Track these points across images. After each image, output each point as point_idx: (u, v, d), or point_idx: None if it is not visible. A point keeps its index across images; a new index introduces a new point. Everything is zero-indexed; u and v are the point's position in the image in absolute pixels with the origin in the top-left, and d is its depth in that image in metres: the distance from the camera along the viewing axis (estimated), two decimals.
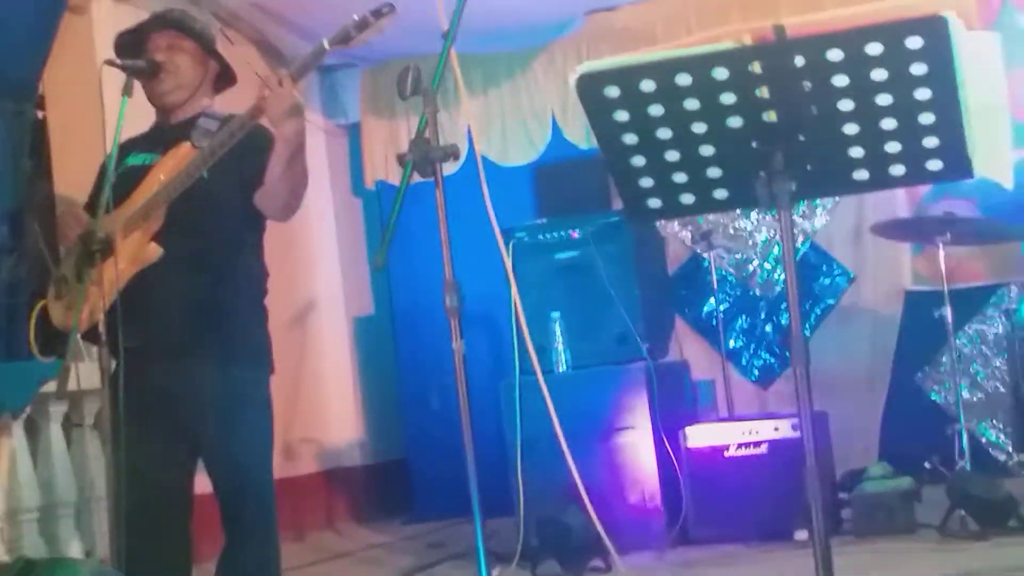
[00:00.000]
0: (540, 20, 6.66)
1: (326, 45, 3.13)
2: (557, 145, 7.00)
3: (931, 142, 2.38)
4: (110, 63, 3.38)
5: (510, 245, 5.37)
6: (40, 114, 5.66)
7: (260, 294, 3.54)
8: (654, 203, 2.60)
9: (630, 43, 6.81)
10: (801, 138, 2.42)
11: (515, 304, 3.56)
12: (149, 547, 3.32)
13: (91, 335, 3.23)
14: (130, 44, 3.54)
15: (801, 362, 2.40)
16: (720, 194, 2.56)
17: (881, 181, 2.48)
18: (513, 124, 7.06)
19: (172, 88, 3.48)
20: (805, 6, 6.39)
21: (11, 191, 5.16)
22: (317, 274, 7.20)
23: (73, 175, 5.48)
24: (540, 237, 5.61)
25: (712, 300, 6.31)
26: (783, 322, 6.55)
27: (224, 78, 3.64)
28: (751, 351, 6.62)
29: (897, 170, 2.44)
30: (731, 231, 6.66)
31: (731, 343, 6.48)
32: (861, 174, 2.46)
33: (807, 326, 6.39)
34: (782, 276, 6.55)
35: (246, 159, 3.34)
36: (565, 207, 6.49)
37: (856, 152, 2.42)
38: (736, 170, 2.50)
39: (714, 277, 6.08)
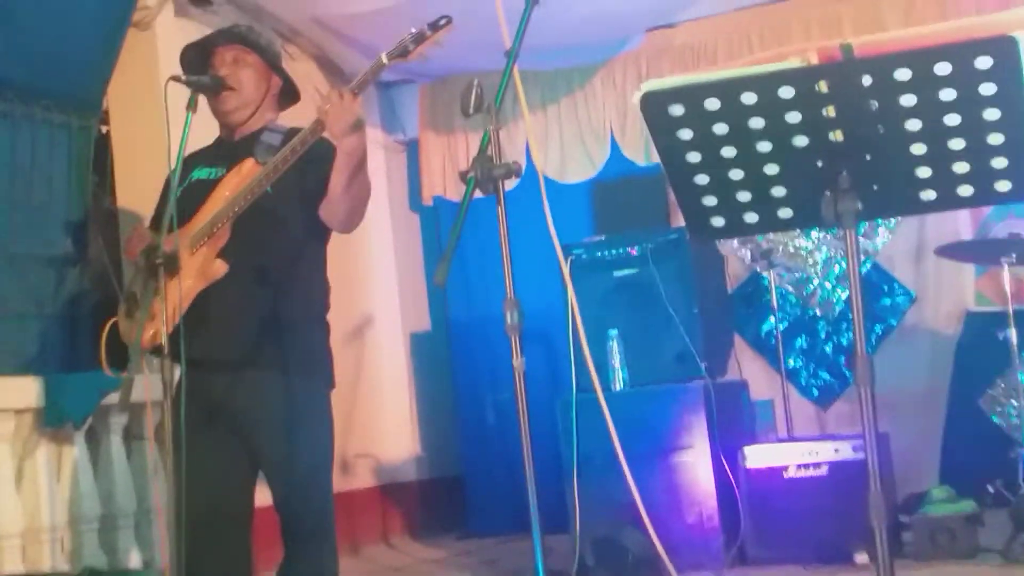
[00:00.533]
0: (600, 37, 6.66)
1: (384, 59, 3.15)
2: (615, 162, 6.99)
3: (999, 163, 2.35)
4: (175, 79, 3.40)
5: (568, 262, 5.36)
6: (104, 129, 5.73)
7: (323, 308, 3.56)
8: (717, 221, 2.58)
9: (690, 60, 6.82)
10: (867, 157, 2.40)
11: (574, 320, 3.54)
12: (209, 558, 3.34)
13: (157, 350, 3.25)
14: (196, 58, 3.57)
15: (865, 383, 2.37)
16: (784, 213, 2.54)
17: (948, 201, 2.45)
18: (572, 141, 7.06)
19: (236, 107, 3.51)
20: (868, 24, 6.36)
21: (75, 205, 5.23)
22: (374, 289, 7.23)
23: (136, 190, 5.55)
24: (598, 254, 5.59)
25: (771, 319, 6.26)
26: (843, 342, 6.49)
27: (288, 94, 3.67)
28: (810, 371, 6.56)
29: (965, 191, 2.41)
30: (791, 250, 6.61)
31: (790, 362, 6.43)
32: (928, 194, 2.44)
33: (868, 346, 6.31)
34: (842, 296, 6.49)
35: (308, 172, 3.36)
36: (623, 224, 6.49)
37: (923, 172, 2.39)
38: (801, 189, 2.48)
39: (774, 296, 6.03)
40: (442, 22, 3.10)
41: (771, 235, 6.44)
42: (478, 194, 2.78)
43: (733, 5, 6.65)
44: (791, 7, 6.62)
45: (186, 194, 3.44)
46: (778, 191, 2.50)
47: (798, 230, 6.43)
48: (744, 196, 2.52)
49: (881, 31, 6.20)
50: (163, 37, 5.70)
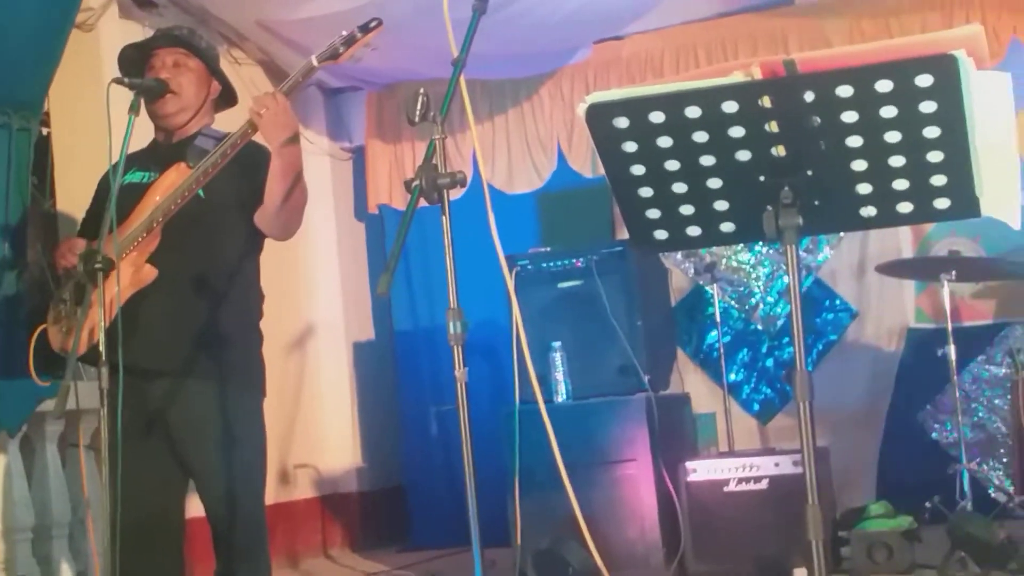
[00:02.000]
0: (548, 48, 6.66)
1: (314, 61, 3.16)
2: (562, 173, 7.00)
3: (939, 180, 2.37)
4: (118, 82, 3.36)
5: (513, 273, 5.35)
6: (45, 131, 5.65)
7: (256, 317, 3.52)
8: (660, 234, 2.58)
9: (637, 72, 6.84)
10: (809, 173, 2.41)
11: (518, 332, 3.52)
12: (141, 569, 3.29)
13: (90, 356, 3.20)
14: (135, 59, 3.53)
15: (804, 397, 2.38)
16: (727, 227, 2.55)
17: (888, 218, 2.47)
18: (518, 152, 7.06)
19: (176, 111, 3.47)
20: (813, 40, 6.42)
21: (14, 207, 5.13)
22: (318, 298, 7.18)
23: (76, 192, 5.48)
24: (543, 265, 5.59)
25: (714, 332, 6.29)
26: (784, 356, 6.53)
27: (225, 98, 3.63)
28: (752, 385, 6.60)
29: (905, 207, 2.43)
30: (734, 264, 6.65)
31: (732, 376, 6.46)
32: (868, 210, 2.45)
33: (809, 361, 6.36)
34: (784, 310, 6.53)
35: (244, 178, 3.33)
36: (568, 236, 6.50)
37: (864, 188, 2.41)
38: (743, 203, 2.49)
39: (717, 310, 6.06)
40: (372, 24, 3.11)
41: (714, 249, 6.48)
42: (423, 203, 2.76)
43: (680, 18, 6.69)
44: (737, 22, 6.67)
45: (118, 198, 3.38)
46: (721, 205, 2.51)
47: (741, 244, 6.47)
48: (687, 209, 2.53)
49: (826, 47, 6.26)
50: (107, 39, 5.65)
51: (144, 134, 3.57)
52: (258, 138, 3.25)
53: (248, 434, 3.40)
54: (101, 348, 3.12)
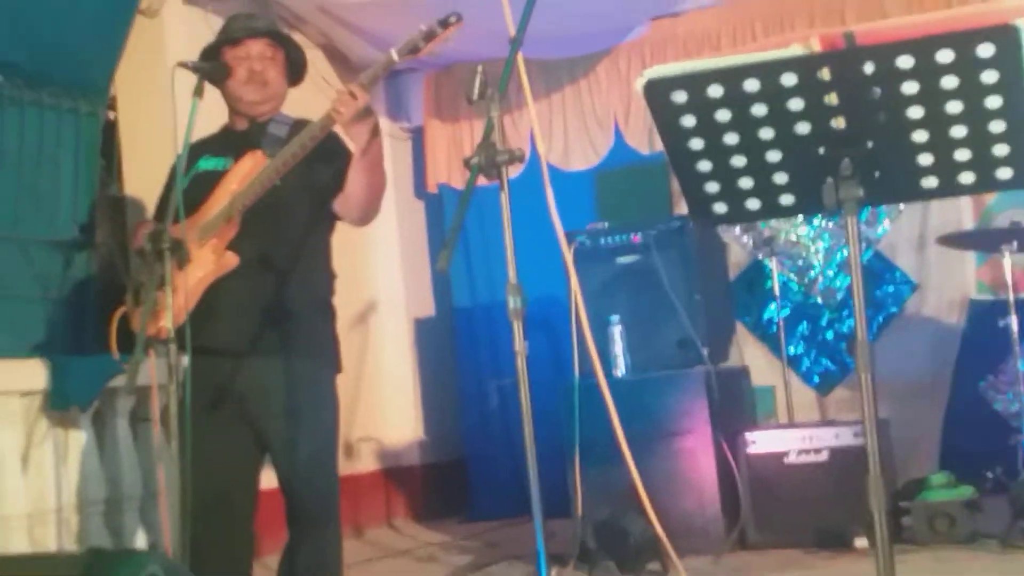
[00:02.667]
0: (604, 26, 6.66)
1: (395, 56, 3.16)
2: (619, 150, 7.01)
3: (1001, 150, 2.37)
4: (182, 65, 3.42)
5: (571, 249, 5.38)
6: (112, 115, 5.75)
7: (327, 295, 3.59)
8: (720, 208, 2.61)
9: (694, 49, 6.83)
10: (869, 145, 2.42)
11: (577, 307, 3.56)
12: (213, 541, 3.37)
13: (165, 339, 3.28)
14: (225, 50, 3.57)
15: (866, 369, 2.39)
16: (786, 200, 2.57)
17: (950, 188, 2.47)
18: (576, 129, 7.08)
19: (262, 99, 3.53)
20: (871, 12, 6.36)
21: (83, 190, 5.25)
22: (379, 276, 7.26)
23: (142, 176, 5.58)
24: (601, 241, 5.62)
25: (773, 306, 6.29)
26: (844, 329, 6.51)
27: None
28: (812, 358, 6.59)
29: (966, 178, 2.43)
30: (793, 238, 6.63)
31: (791, 350, 6.45)
32: (930, 181, 2.46)
33: (869, 334, 6.33)
34: (843, 283, 6.51)
35: (317, 166, 3.39)
36: (626, 212, 6.51)
37: (925, 159, 2.42)
38: (803, 176, 2.50)
39: (776, 283, 6.06)
40: (452, 19, 3.12)
41: (773, 223, 6.46)
42: (482, 181, 2.80)
43: None
44: None
45: (192, 184, 3.46)
46: (780, 178, 2.53)
47: (800, 217, 6.45)
48: (746, 183, 2.55)
49: (883, 19, 6.21)
50: (170, 24, 5.73)
51: (212, 117, 3.64)
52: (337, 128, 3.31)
53: (320, 406, 3.47)
54: (169, 326, 3.20)
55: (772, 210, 2.60)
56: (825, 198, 2.44)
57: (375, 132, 3.28)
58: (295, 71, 3.64)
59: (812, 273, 6.62)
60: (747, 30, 6.71)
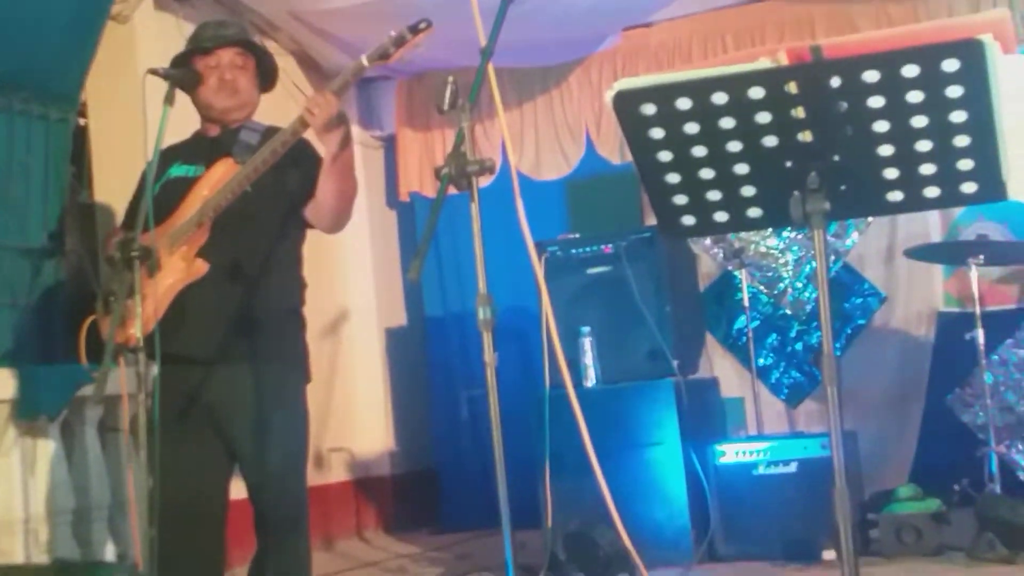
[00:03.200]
0: (576, 35, 6.69)
1: (365, 62, 3.16)
2: (590, 160, 7.02)
3: (966, 164, 2.39)
4: (153, 72, 3.41)
5: (542, 259, 5.40)
6: (82, 121, 5.73)
7: (297, 303, 3.59)
8: (688, 220, 2.62)
9: (665, 59, 6.86)
10: (836, 158, 2.43)
11: (547, 317, 3.57)
12: (182, 551, 3.35)
13: (133, 347, 3.26)
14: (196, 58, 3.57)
15: (832, 382, 2.40)
16: (754, 212, 2.58)
17: (915, 203, 2.49)
18: (547, 139, 7.09)
19: (234, 106, 3.53)
20: (841, 26, 6.41)
21: (53, 197, 5.22)
22: (350, 285, 7.25)
23: (113, 182, 5.56)
24: (572, 251, 5.63)
25: (742, 318, 6.31)
26: (813, 341, 6.54)
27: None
28: (780, 369, 6.62)
29: (931, 192, 2.45)
30: (762, 249, 6.66)
31: (760, 361, 6.47)
32: (895, 195, 2.48)
33: (837, 346, 6.37)
34: (813, 295, 6.54)
35: (288, 172, 3.40)
36: (597, 222, 6.52)
37: (891, 173, 2.43)
38: (770, 189, 2.52)
39: (745, 295, 6.08)
40: (422, 25, 3.12)
41: (743, 234, 6.48)
42: (453, 190, 2.81)
43: (708, 5, 6.70)
44: (765, 8, 6.68)
45: (163, 191, 3.46)
46: (748, 191, 2.54)
47: (769, 230, 6.48)
48: (714, 195, 2.56)
49: (853, 32, 6.26)
50: (142, 30, 5.71)
51: (184, 124, 3.63)
52: (308, 134, 3.31)
53: (289, 415, 3.46)
54: (138, 335, 3.19)
55: (740, 223, 2.62)
56: (792, 211, 2.46)
57: (347, 139, 3.28)
58: (266, 78, 3.64)
59: (781, 285, 6.65)
60: (718, 41, 6.75)
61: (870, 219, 6.33)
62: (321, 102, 3.19)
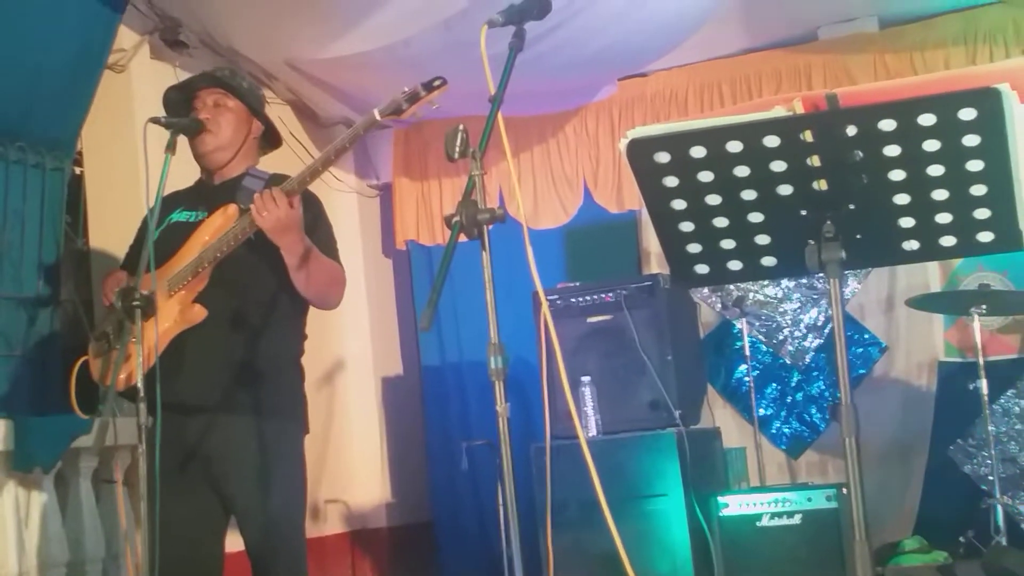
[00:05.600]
0: (573, 85, 6.69)
1: (377, 116, 3.15)
2: (588, 209, 7.01)
3: (982, 214, 2.38)
4: (155, 121, 3.40)
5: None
6: (78, 170, 5.70)
7: (297, 353, 3.55)
8: (701, 269, 2.60)
9: (662, 109, 6.87)
10: (851, 207, 2.42)
11: (552, 365, 3.53)
12: None
13: (130, 392, 3.23)
14: (178, 100, 3.57)
15: (850, 432, 2.37)
16: (768, 261, 2.56)
17: (931, 252, 2.47)
18: (545, 187, 7.08)
19: (213, 148, 3.51)
20: (837, 75, 6.43)
21: (48, 246, 5.18)
22: (346, 334, 7.19)
23: (109, 231, 5.53)
24: (572, 300, 5.60)
25: (743, 367, 6.27)
26: (813, 391, 6.50)
27: (269, 139, 3.67)
28: (781, 419, 6.56)
29: (947, 241, 2.44)
30: (761, 297, 6.63)
31: (761, 410, 6.42)
32: (911, 244, 2.46)
33: (838, 395, 6.31)
34: (813, 344, 6.51)
35: None
36: (595, 271, 6.50)
37: (907, 222, 2.42)
38: (785, 238, 2.50)
39: (746, 344, 6.05)
40: (436, 83, 3.12)
41: (742, 283, 6.45)
42: (462, 238, 2.77)
43: (705, 55, 6.71)
44: (761, 58, 6.69)
45: (164, 236, 3.43)
46: (762, 239, 2.52)
47: (773, 279, 6.45)
48: (728, 244, 2.54)
49: (850, 83, 6.28)
50: (138, 79, 5.70)
51: (186, 172, 3.61)
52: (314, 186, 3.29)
53: (288, 468, 3.42)
54: (139, 385, 3.15)
55: (754, 272, 2.60)
56: (808, 260, 2.44)
57: (291, 234, 3.22)
58: (254, 109, 3.59)
59: (781, 334, 6.61)
60: (714, 91, 6.76)
61: (869, 268, 6.30)
62: (270, 204, 3.16)
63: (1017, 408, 6.10)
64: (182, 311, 3.34)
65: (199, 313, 3.33)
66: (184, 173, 3.63)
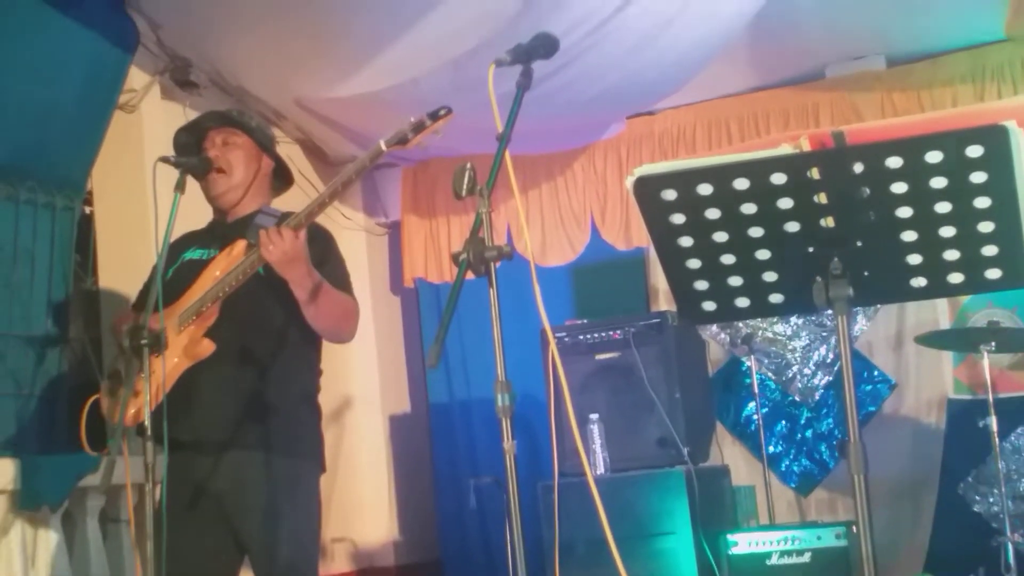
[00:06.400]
0: (581, 123, 6.72)
1: (383, 146, 3.16)
2: (595, 246, 7.01)
3: (990, 251, 2.38)
4: (164, 160, 3.41)
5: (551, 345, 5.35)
6: (87, 209, 5.72)
7: (312, 390, 3.55)
8: (709, 306, 2.60)
9: (669, 147, 6.89)
10: (859, 244, 2.42)
11: (560, 403, 3.53)
12: None
13: (140, 428, 3.22)
14: (188, 140, 3.59)
15: (859, 470, 2.36)
16: (776, 298, 2.56)
17: (939, 289, 2.47)
18: (552, 225, 7.09)
19: (225, 189, 3.53)
20: (845, 113, 6.45)
21: (57, 285, 5.19)
22: (354, 371, 7.19)
23: (118, 270, 5.53)
24: (580, 338, 5.60)
25: (751, 404, 6.25)
26: (822, 428, 6.47)
27: (281, 177, 3.68)
28: (791, 457, 6.54)
29: (955, 278, 2.43)
30: (770, 335, 6.62)
31: (770, 448, 6.40)
32: (919, 281, 2.46)
33: (846, 432, 6.28)
34: (822, 381, 6.49)
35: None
36: (603, 308, 6.50)
37: (914, 259, 2.42)
38: (792, 275, 2.50)
39: (754, 381, 6.03)
40: (442, 112, 3.13)
41: (751, 320, 6.44)
42: (469, 276, 2.78)
43: (712, 93, 6.73)
44: (769, 96, 6.71)
45: (176, 274, 3.45)
46: (770, 276, 2.52)
47: (781, 316, 6.44)
48: (736, 281, 2.54)
49: (857, 120, 6.30)
50: (149, 119, 5.72)
51: (198, 213, 3.62)
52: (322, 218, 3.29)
53: (302, 508, 3.40)
54: (147, 423, 3.14)
55: (761, 308, 2.59)
56: (816, 297, 2.44)
57: (298, 268, 3.22)
58: (263, 146, 3.61)
59: (790, 372, 6.60)
60: (722, 129, 6.78)
61: (878, 305, 6.29)
62: (276, 239, 3.16)
63: None
64: (190, 346, 3.34)
65: (207, 348, 3.33)
66: (197, 213, 3.65)
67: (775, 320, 6.58)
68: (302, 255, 3.20)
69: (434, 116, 3.13)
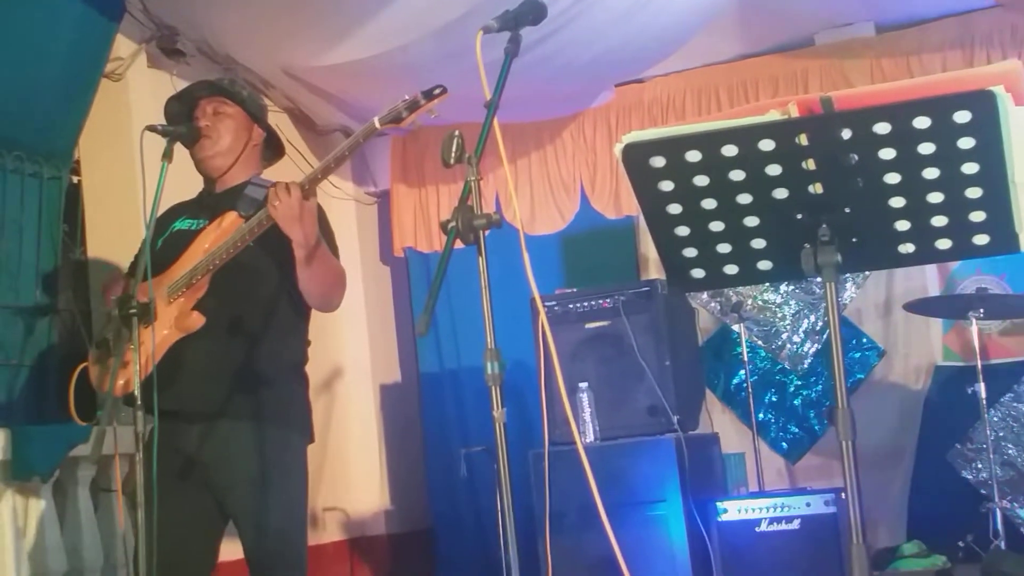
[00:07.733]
0: (570, 91, 6.69)
1: (377, 124, 3.15)
2: (585, 214, 7.00)
3: (978, 216, 2.37)
4: (151, 129, 3.40)
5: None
6: (75, 179, 5.70)
7: (300, 361, 3.54)
8: (697, 273, 2.59)
9: (659, 115, 6.87)
10: (847, 210, 2.41)
11: (550, 372, 3.53)
12: None
13: (129, 399, 3.22)
14: (179, 110, 3.57)
15: (847, 436, 2.36)
16: (764, 265, 2.55)
17: (927, 255, 2.47)
18: (541, 194, 7.07)
19: (212, 154, 3.51)
20: (834, 80, 6.44)
21: (45, 255, 5.19)
22: (344, 341, 7.19)
23: (106, 239, 5.52)
24: (570, 306, 5.60)
25: (742, 372, 6.27)
26: (812, 396, 6.49)
27: (272, 147, 3.66)
28: (780, 424, 6.56)
29: (943, 244, 2.43)
30: (760, 303, 6.63)
31: (760, 415, 6.42)
32: (907, 247, 2.45)
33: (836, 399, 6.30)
34: (811, 349, 6.50)
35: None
36: (593, 277, 6.50)
37: (902, 225, 2.41)
38: (781, 241, 2.49)
39: (744, 349, 6.05)
40: (436, 91, 3.12)
41: (741, 288, 6.45)
42: (458, 245, 2.77)
43: (701, 61, 6.72)
44: (758, 63, 6.70)
45: (166, 244, 3.43)
46: (758, 243, 2.51)
47: (766, 284, 6.45)
48: (724, 248, 2.54)
49: (847, 87, 6.28)
50: (135, 88, 5.69)
51: (188, 183, 3.60)
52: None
53: (290, 476, 3.41)
54: (137, 393, 3.14)
55: (750, 276, 2.59)
56: (804, 264, 2.43)
57: (305, 227, 3.18)
58: (254, 116, 3.59)
59: (779, 339, 6.61)
60: (711, 97, 6.76)
61: (867, 272, 6.30)
62: (283, 195, 3.13)
63: (1016, 411, 6.10)
64: (180, 318, 3.33)
65: (196, 320, 3.32)
66: (187, 183, 3.63)
67: (765, 288, 6.59)
68: (310, 213, 3.17)
69: (428, 95, 3.11)
